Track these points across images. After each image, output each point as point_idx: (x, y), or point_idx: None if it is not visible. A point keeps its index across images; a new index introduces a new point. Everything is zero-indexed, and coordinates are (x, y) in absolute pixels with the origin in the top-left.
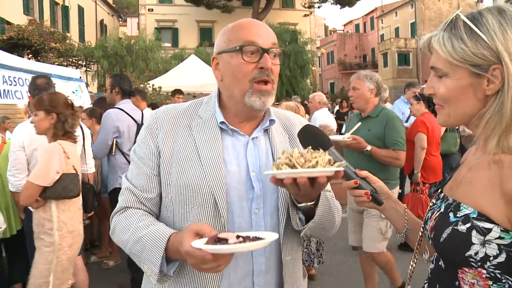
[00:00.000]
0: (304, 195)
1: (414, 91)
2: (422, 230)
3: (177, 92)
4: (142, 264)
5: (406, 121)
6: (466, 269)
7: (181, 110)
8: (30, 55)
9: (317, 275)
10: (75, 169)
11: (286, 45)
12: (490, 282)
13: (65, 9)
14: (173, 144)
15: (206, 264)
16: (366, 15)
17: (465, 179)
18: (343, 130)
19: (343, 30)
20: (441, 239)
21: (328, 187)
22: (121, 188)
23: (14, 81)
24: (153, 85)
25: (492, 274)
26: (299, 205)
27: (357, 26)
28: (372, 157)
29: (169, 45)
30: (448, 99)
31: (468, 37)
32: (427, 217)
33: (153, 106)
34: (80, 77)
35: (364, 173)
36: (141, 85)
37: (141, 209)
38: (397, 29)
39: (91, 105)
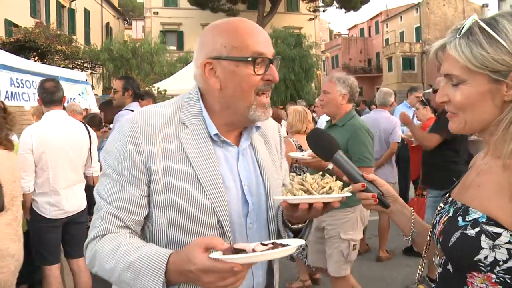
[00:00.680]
0: (299, 217)
1: (417, 95)
2: (430, 234)
3: None
4: None
5: None
6: (475, 274)
7: (160, 116)
8: (36, 58)
9: (322, 279)
10: None
11: (291, 49)
12: (500, 287)
13: (71, 12)
14: (164, 160)
15: (225, 279)
16: (371, 19)
17: (473, 183)
18: None
19: (348, 34)
20: (450, 243)
21: None
22: None
23: (22, 83)
24: (158, 88)
25: (502, 279)
26: (292, 226)
27: (362, 30)
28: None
29: (174, 48)
30: (465, 106)
31: (488, 43)
32: (435, 221)
33: None
34: (86, 80)
35: (371, 176)
36: (146, 88)
37: (125, 232)
38: (402, 34)
39: (97, 107)
